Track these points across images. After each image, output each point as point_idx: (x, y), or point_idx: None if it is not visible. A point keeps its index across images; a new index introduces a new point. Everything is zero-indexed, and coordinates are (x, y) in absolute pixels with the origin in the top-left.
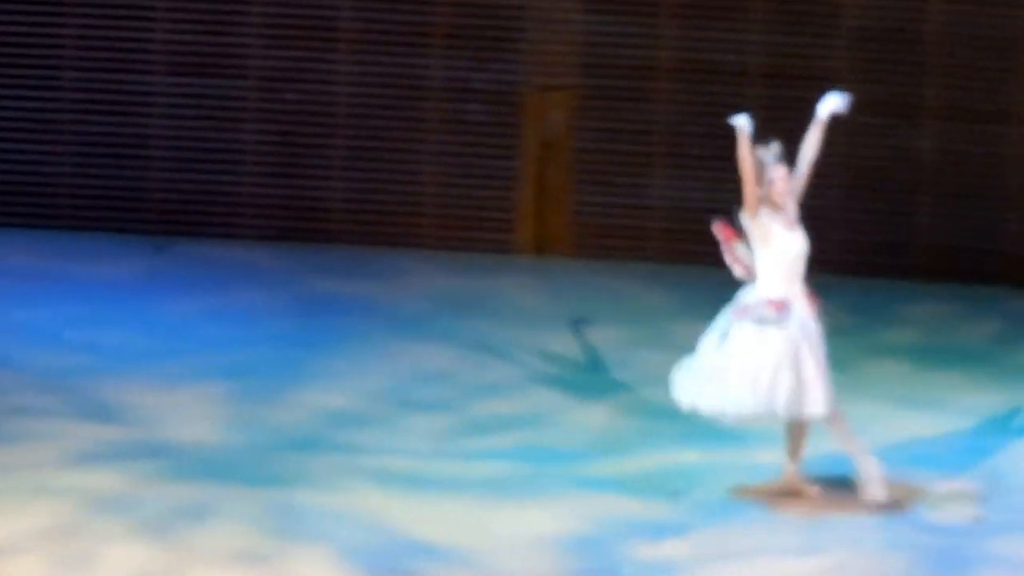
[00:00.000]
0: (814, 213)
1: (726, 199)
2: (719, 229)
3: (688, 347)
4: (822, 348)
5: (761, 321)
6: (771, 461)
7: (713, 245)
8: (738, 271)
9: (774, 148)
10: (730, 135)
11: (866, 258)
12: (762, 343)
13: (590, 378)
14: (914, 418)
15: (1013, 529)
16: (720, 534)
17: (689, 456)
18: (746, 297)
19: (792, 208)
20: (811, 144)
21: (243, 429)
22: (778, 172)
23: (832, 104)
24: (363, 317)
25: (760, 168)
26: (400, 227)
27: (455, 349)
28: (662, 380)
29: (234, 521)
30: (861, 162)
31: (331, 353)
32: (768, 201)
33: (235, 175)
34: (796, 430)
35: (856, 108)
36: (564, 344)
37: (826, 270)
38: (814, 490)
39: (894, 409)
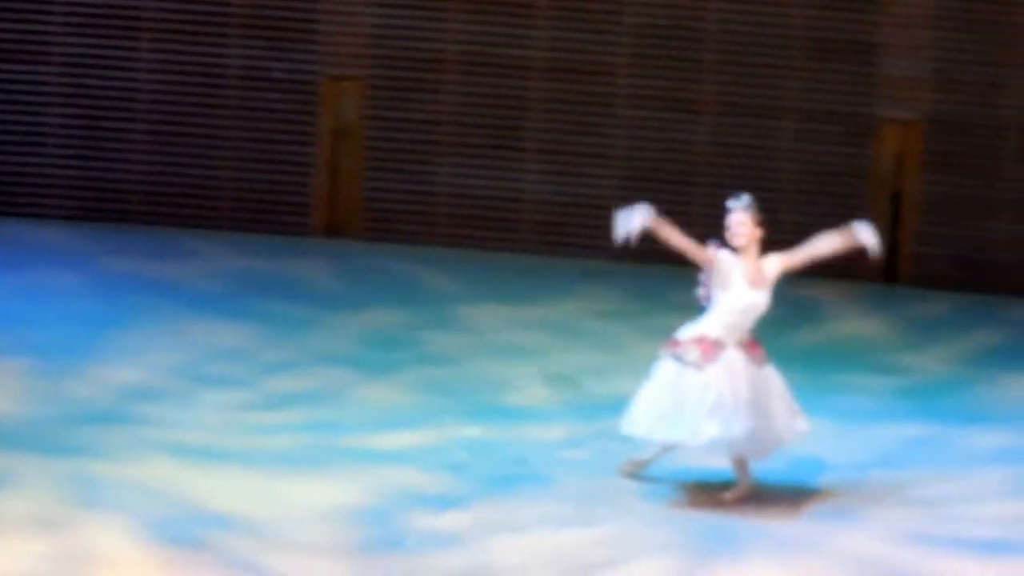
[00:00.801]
0: (592, 203)
1: (508, 187)
2: (711, 251)
3: (469, 328)
4: (766, 389)
5: (681, 360)
6: (549, 439)
7: (496, 231)
8: (700, 293)
9: (744, 199)
10: (512, 125)
11: (643, 245)
12: (679, 380)
13: (377, 356)
14: None
15: (779, 506)
16: (500, 506)
17: (471, 431)
18: (682, 331)
19: (756, 262)
20: (823, 247)
21: (43, 402)
22: (735, 217)
23: (866, 238)
24: (160, 296)
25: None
26: (198, 209)
27: (249, 327)
28: (444, 359)
29: (32, 490)
30: (639, 154)
31: (128, 330)
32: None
33: (40, 156)
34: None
35: (634, 102)
36: (352, 324)
37: (605, 257)
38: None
39: None
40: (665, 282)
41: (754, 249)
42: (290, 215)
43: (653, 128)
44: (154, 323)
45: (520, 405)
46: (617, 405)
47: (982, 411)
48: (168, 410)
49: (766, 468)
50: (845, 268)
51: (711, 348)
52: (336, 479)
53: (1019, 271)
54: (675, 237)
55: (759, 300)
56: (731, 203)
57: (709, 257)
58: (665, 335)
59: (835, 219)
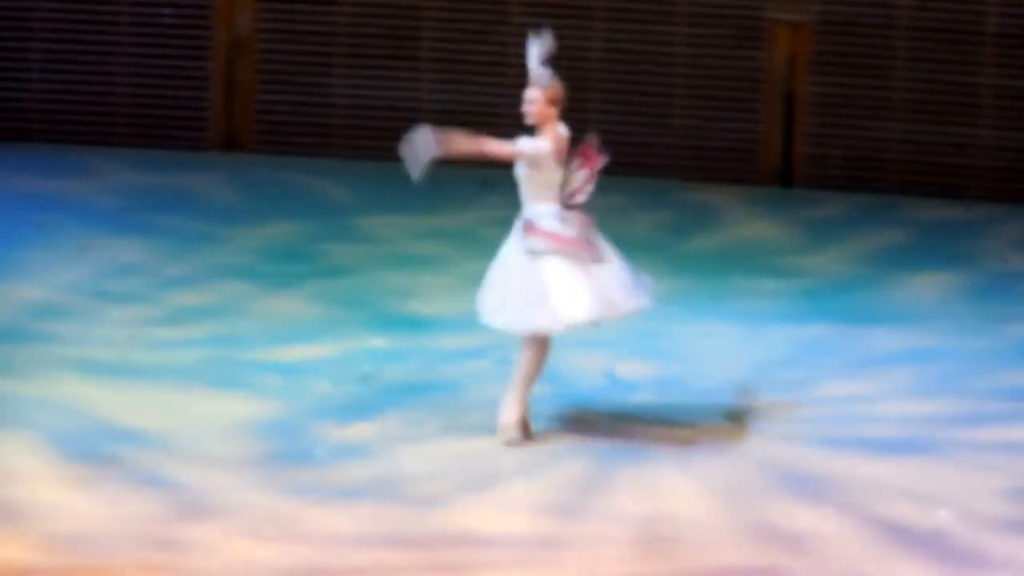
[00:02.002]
0: (489, 111)
1: (405, 96)
2: (590, 151)
3: (369, 239)
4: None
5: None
6: (454, 348)
7: (393, 142)
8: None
9: (540, 74)
10: (407, 35)
11: None
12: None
13: (278, 269)
14: None
15: (682, 411)
16: (408, 417)
17: (376, 342)
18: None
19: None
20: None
21: None
22: (526, 94)
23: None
24: (59, 213)
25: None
26: (96, 126)
27: (149, 242)
28: (345, 271)
29: None
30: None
31: (30, 248)
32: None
33: None
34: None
35: (528, 8)
36: (252, 237)
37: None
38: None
39: None
40: None
41: (550, 126)
42: (186, 130)
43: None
44: (55, 240)
45: (424, 315)
46: None
47: (884, 311)
48: (73, 327)
49: (665, 372)
50: (740, 171)
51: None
52: (243, 393)
53: (913, 170)
54: (471, 146)
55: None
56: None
57: (514, 150)
58: None
59: (728, 122)
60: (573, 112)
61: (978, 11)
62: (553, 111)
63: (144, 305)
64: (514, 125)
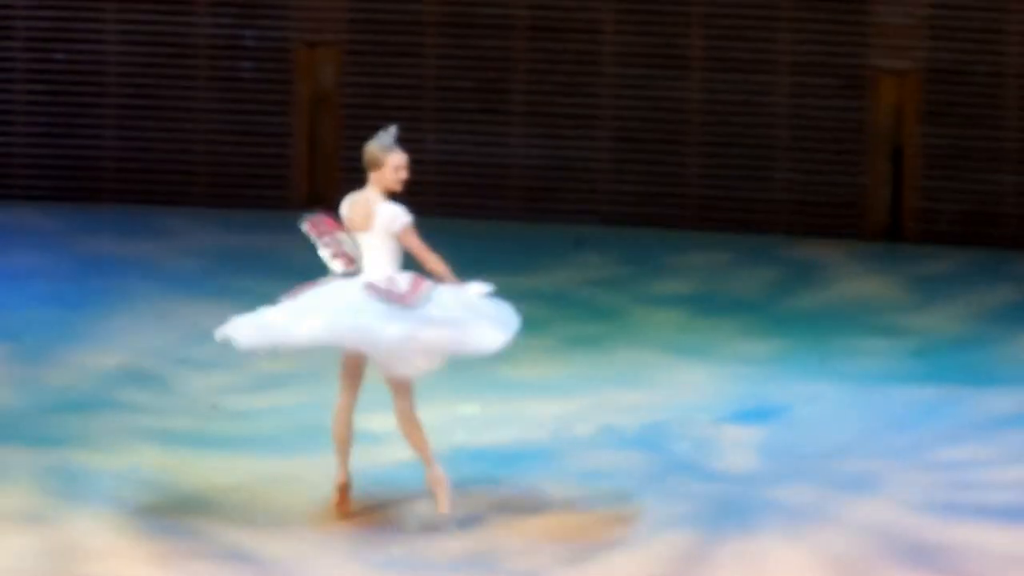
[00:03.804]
0: (581, 165)
1: (496, 152)
2: (317, 224)
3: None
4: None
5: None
6: (553, 412)
7: (488, 198)
8: (338, 265)
9: (391, 132)
10: (497, 88)
11: (631, 209)
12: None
13: None
14: (689, 367)
15: (790, 476)
16: (500, 486)
17: (468, 408)
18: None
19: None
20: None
21: (22, 390)
22: (403, 157)
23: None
24: (138, 277)
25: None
26: (172, 185)
27: (230, 306)
28: None
29: (16, 483)
30: (628, 113)
31: (107, 313)
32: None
33: (8, 136)
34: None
35: (622, 59)
36: None
37: (595, 221)
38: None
39: (669, 358)
40: (662, 244)
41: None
42: (268, 188)
43: (641, 86)
44: (133, 305)
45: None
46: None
47: (997, 371)
48: (152, 395)
49: (771, 437)
50: (846, 226)
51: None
52: (328, 460)
53: None
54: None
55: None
56: (388, 141)
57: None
58: (664, 302)
59: (833, 176)
60: (669, 166)
61: None
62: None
63: (226, 372)
64: (605, 179)
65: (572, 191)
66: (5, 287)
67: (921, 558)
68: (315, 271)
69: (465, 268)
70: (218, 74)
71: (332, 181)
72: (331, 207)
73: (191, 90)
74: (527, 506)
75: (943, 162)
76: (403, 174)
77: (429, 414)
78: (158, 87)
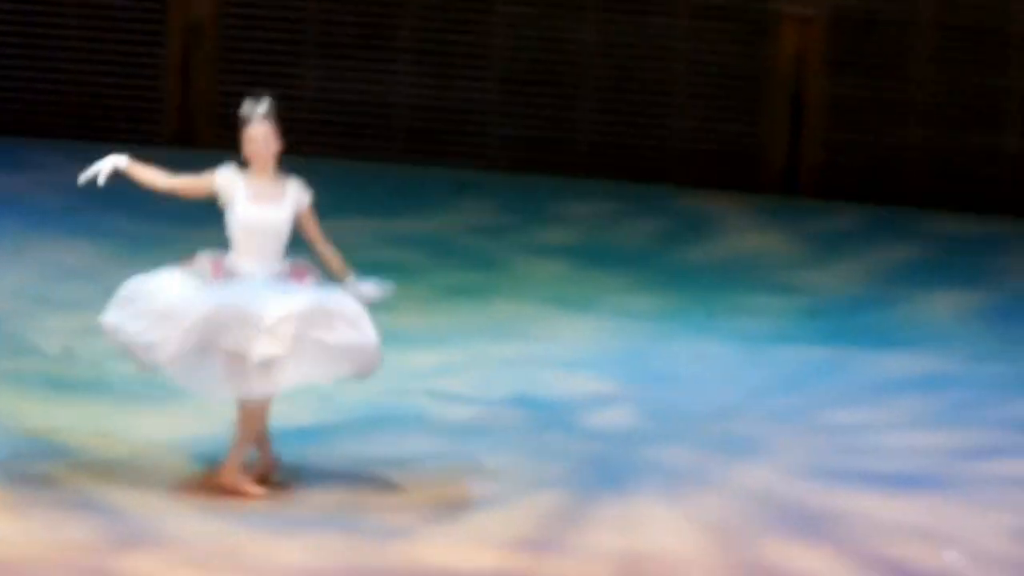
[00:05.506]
0: (468, 107)
1: (379, 91)
2: (208, 176)
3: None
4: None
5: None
6: (427, 365)
7: (370, 138)
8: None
9: (264, 104)
10: (384, 23)
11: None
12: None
13: None
14: (571, 321)
15: (671, 437)
16: (367, 441)
17: None
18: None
19: (270, 176)
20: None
21: None
22: (257, 130)
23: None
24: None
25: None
26: (42, 117)
27: (95, 244)
28: None
29: None
30: (519, 53)
31: None
32: (246, 161)
33: None
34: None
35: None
36: (205, 240)
37: (484, 167)
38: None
39: (550, 311)
40: (549, 192)
41: (270, 162)
42: (142, 122)
43: (534, 26)
44: None
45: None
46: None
47: (894, 333)
48: (3, 336)
49: (652, 396)
50: (741, 178)
51: (219, 269)
52: (189, 410)
53: (932, 180)
54: (154, 178)
55: (272, 217)
56: (250, 110)
57: (207, 183)
58: (548, 252)
59: (729, 125)
60: (561, 110)
61: (1006, 9)
62: (277, 146)
63: (87, 312)
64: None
65: (457, 133)
66: None
67: (803, 525)
68: (187, 214)
69: (339, 211)
70: (89, 0)
71: (205, 117)
72: (203, 145)
73: (60, 17)
74: (394, 462)
75: (846, 114)
76: (255, 147)
77: None
78: (26, 14)
